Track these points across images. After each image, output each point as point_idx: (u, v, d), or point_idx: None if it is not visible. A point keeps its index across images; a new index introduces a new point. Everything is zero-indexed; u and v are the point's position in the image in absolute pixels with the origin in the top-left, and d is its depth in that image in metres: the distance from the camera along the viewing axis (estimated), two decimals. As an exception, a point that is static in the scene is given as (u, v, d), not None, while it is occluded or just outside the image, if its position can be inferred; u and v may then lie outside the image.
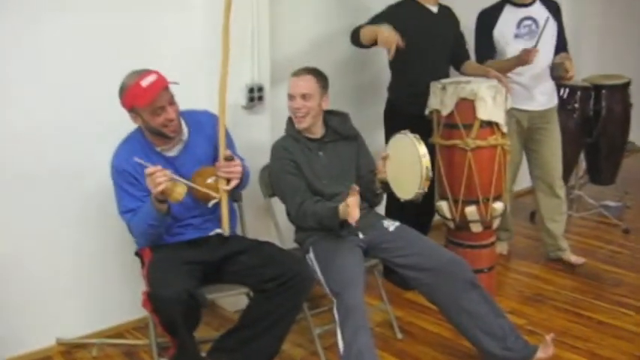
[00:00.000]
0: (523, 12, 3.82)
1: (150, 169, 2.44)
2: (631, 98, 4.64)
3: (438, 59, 3.67)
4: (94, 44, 2.94)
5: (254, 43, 3.25)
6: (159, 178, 2.42)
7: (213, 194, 2.61)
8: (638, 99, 4.76)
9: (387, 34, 3.16)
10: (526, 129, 3.96)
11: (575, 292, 3.74)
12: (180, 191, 2.48)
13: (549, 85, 3.94)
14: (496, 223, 3.50)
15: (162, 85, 2.55)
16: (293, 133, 3.01)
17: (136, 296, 2.64)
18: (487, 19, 3.88)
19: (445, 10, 3.75)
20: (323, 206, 2.85)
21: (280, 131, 3.10)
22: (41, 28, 2.79)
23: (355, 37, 3.49)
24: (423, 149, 2.75)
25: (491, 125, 3.32)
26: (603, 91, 4.44)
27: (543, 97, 3.92)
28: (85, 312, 3.16)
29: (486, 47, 3.87)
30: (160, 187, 2.42)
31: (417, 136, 2.82)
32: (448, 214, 3.48)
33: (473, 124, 3.29)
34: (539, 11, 3.83)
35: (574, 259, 4.11)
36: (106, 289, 3.18)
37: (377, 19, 3.47)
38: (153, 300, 2.40)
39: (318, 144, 3.01)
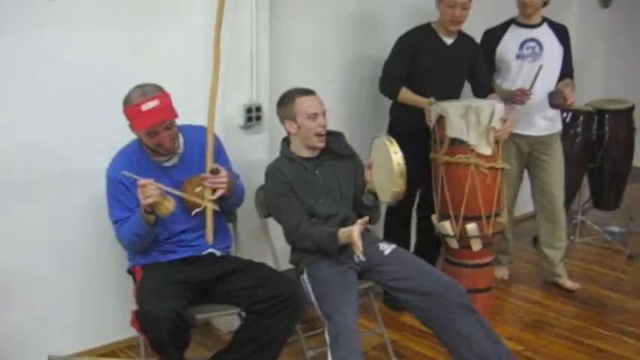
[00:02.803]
0: (528, 33, 3.80)
1: (142, 181, 2.48)
2: (635, 123, 4.61)
3: (443, 88, 3.65)
4: (94, 58, 2.94)
5: (253, 63, 3.26)
6: (150, 191, 2.47)
7: (199, 202, 2.65)
8: (642, 123, 4.74)
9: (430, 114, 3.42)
10: (527, 154, 3.95)
11: (576, 319, 3.68)
12: (168, 206, 2.55)
13: (551, 110, 3.88)
14: (475, 245, 3.44)
15: (160, 116, 2.56)
16: (288, 154, 3.00)
17: (129, 314, 2.63)
18: (491, 38, 3.88)
19: (463, 41, 3.76)
20: (321, 229, 2.85)
21: (278, 152, 3.10)
22: (45, 42, 2.80)
23: (390, 94, 3.70)
24: (394, 147, 2.75)
25: (463, 144, 3.33)
26: (607, 116, 4.41)
27: (544, 122, 3.89)
28: (78, 329, 3.12)
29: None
30: (150, 200, 2.48)
31: (389, 136, 2.83)
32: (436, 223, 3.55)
33: (444, 140, 3.37)
34: (544, 34, 3.81)
35: (569, 284, 4.08)
36: (101, 306, 3.15)
37: (397, 55, 3.68)
38: (140, 319, 2.40)
39: (315, 163, 3.00)
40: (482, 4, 3.80)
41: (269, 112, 3.35)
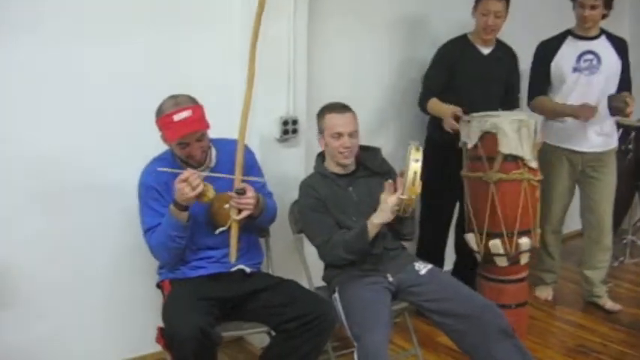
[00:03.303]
0: (585, 45, 3.66)
1: (184, 174, 2.45)
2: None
3: (479, 100, 3.57)
4: (126, 69, 2.92)
5: (290, 75, 3.21)
6: (195, 181, 2.44)
7: (224, 221, 2.60)
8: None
9: (450, 122, 3.34)
10: (580, 170, 3.79)
11: (623, 345, 3.51)
12: (211, 189, 2.53)
13: (608, 125, 3.74)
14: (524, 259, 3.38)
15: (192, 128, 2.53)
16: (321, 170, 2.94)
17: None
18: (546, 50, 3.74)
19: (501, 52, 3.70)
20: (350, 232, 2.79)
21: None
22: (76, 53, 2.79)
23: (423, 107, 3.64)
24: (416, 154, 2.59)
25: (516, 159, 3.25)
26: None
27: (599, 139, 3.73)
28: (111, 340, 3.10)
29: (540, 80, 3.73)
30: (200, 188, 2.45)
31: (417, 143, 2.68)
32: (475, 246, 3.44)
33: (496, 157, 3.25)
34: (603, 46, 3.66)
35: (609, 305, 3.92)
36: (129, 318, 3.12)
37: (434, 69, 3.66)
38: (166, 336, 2.37)
39: (349, 179, 2.93)
40: (522, 15, 3.70)
41: (306, 125, 3.30)
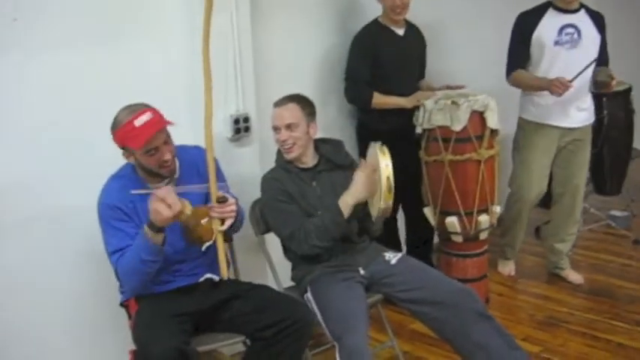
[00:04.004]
0: (566, 18, 3.58)
1: (160, 192, 2.27)
2: (633, 104, 4.46)
3: (405, 80, 3.62)
4: (72, 81, 2.72)
5: (237, 70, 3.08)
6: (173, 198, 2.27)
7: (208, 236, 2.46)
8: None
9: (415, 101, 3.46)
10: (556, 146, 3.75)
11: (590, 313, 3.56)
12: (187, 205, 2.38)
13: (587, 100, 3.72)
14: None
15: (157, 127, 2.37)
16: (283, 164, 2.83)
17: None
18: (527, 22, 3.63)
19: (412, 31, 3.71)
20: (321, 216, 2.69)
21: (270, 162, 2.94)
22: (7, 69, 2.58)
23: (364, 103, 3.57)
24: (385, 158, 2.56)
25: (492, 133, 3.39)
26: (604, 99, 4.26)
27: (580, 114, 3.70)
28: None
29: (521, 53, 3.65)
30: (178, 207, 2.27)
31: (383, 146, 2.63)
32: (459, 229, 3.43)
33: (483, 134, 3.35)
34: (583, 20, 3.60)
35: (572, 277, 3.95)
36: (100, 339, 2.91)
37: (357, 61, 3.56)
38: (140, 360, 2.23)
39: (311, 174, 2.83)
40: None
41: (257, 121, 3.18)
